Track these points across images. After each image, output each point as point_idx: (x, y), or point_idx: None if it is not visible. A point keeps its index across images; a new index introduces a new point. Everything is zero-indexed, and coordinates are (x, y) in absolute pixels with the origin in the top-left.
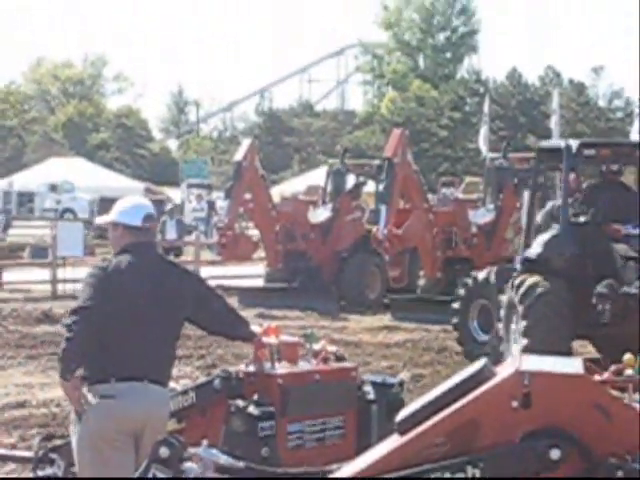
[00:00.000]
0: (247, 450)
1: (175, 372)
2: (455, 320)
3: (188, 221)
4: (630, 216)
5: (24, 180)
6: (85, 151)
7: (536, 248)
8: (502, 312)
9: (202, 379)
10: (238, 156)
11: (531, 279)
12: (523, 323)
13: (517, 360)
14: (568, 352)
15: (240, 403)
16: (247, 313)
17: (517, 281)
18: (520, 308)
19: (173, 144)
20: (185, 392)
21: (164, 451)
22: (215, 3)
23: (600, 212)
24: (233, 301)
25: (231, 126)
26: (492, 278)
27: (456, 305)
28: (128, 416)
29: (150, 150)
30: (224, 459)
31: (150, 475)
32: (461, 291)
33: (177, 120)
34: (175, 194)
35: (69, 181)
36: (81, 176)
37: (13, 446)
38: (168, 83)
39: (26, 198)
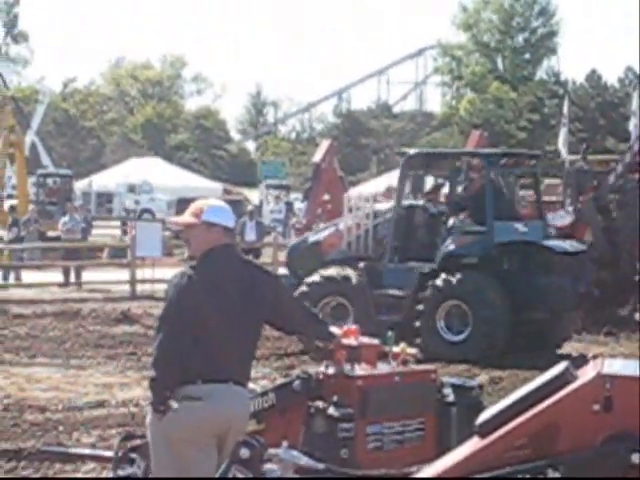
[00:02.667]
0: (326, 451)
1: (253, 373)
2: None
3: (266, 222)
4: (511, 215)
5: (103, 180)
6: (163, 152)
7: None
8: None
9: (281, 380)
10: (316, 157)
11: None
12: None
13: (598, 364)
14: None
15: (320, 405)
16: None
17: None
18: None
19: (251, 145)
20: (265, 393)
21: (245, 452)
22: (294, 5)
23: (497, 212)
24: None
25: (309, 127)
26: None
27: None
28: (215, 418)
29: (228, 151)
30: (304, 460)
31: (231, 475)
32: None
33: (255, 121)
34: (253, 195)
35: (147, 182)
36: (159, 177)
37: (92, 446)
38: (246, 84)
39: (105, 198)
